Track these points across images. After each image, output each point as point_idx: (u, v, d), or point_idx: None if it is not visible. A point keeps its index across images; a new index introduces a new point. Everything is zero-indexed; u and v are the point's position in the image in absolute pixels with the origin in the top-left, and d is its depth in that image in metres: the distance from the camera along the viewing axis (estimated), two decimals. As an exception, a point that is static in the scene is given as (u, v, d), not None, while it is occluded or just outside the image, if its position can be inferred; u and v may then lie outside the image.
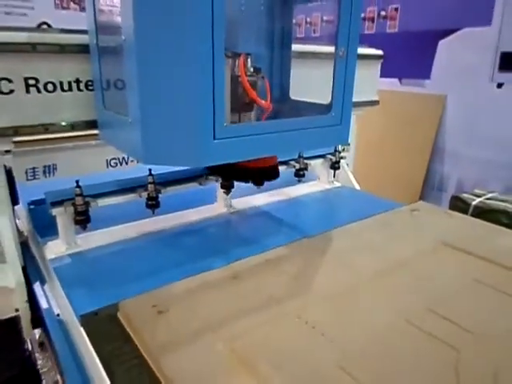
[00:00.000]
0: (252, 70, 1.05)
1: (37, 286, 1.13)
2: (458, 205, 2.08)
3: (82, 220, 1.14)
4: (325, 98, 1.06)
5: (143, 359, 0.73)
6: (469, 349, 0.74)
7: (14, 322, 1.15)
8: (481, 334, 0.78)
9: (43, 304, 1.06)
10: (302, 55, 1.42)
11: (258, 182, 1.15)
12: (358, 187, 1.81)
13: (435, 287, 0.95)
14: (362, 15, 2.79)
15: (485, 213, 1.96)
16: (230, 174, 1.16)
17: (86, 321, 0.84)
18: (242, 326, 0.78)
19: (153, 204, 1.21)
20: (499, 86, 2.09)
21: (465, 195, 2.14)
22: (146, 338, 0.75)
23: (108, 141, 1.06)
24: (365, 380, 0.65)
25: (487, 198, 2.08)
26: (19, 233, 1.25)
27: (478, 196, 2.10)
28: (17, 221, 1.23)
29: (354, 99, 1.07)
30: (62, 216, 1.14)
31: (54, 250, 1.17)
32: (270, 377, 0.66)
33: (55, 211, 1.12)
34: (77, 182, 1.11)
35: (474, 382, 0.68)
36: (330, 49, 1.55)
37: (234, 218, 1.45)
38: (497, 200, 2.06)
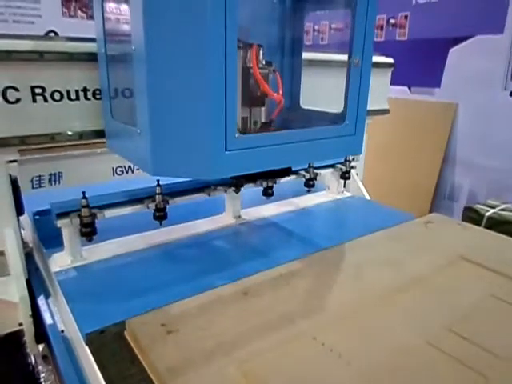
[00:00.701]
0: (264, 62, 1.02)
1: (41, 300, 1.10)
2: (471, 216, 2.04)
3: (88, 232, 1.11)
4: (335, 107, 1.03)
5: (151, 381, 0.69)
6: (495, 373, 0.70)
7: (17, 335, 1.12)
8: (507, 357, 0.74)
9: (47, 319, 1.03)
10: (312, 63, 1.39)
11: None
12: (368, 197, 1.77)
13: (454, 304, 0.91)
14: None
15: (499, 224, 1.93)
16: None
17: (92, 339, 0.81)
18: (254, 348, 0.74)
19: (160, 216, 1.18)
20: (512, 94, 2.05)
21: (478, 206, 2.10)
22: (154, 359, 0.71)
23: (115, 151, 1.03)
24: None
25: (501, 209, 2.04)
26: (24, 243, 1.22)
27: (492, 207, 2.07)
28: (21, 231, 1.21)
29: (366, 108, 1.04)
30: (67, 228, 1.11)
31: (59, 262, 1.14)
32: (286, 403, 0.62)
33: (60, 223, 1.09)
34: (83, 193, 1.08)
35: (503, 410, 0.64)
36: (339, 57, 1.54)
37: (242, 228, 1.41)
38: (511, 211, 2.02)
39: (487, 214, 2.02)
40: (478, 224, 1.92)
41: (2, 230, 1.07)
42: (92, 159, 1.33)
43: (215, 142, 0.79)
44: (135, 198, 1.19)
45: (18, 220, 1.14)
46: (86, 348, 0.80)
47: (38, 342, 1.09)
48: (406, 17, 2.35)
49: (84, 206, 1.08)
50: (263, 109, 1.06)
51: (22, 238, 1.19)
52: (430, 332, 0.80)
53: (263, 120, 1.08)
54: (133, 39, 0.80)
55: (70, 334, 0.95)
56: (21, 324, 1.08)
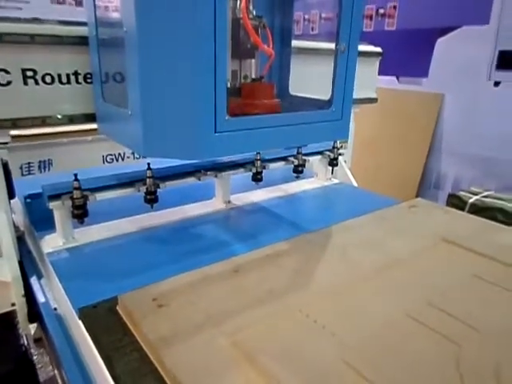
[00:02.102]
0: (254, 13, 1.02)
1: (33, 280, 1.12)
2: (455, 202, 2.09)
3: (80, 214, 1.13)
4: (324, 95, 1.06)
5: (144, 352, 0.72)
6: (470, 344, 0.74)
7: (10, 316, 1.14)
8: (482, 329, 0.78)
9: (40, 298, 1.05)
10: (301, 51, 1.42)
11: None
12: (355, 184, 1.81)
13: (435, 282, 0.95)
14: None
15: (481, 211, 1.97)
16: None
17: (85, 314, 0.83)
18: (243, 320, 0.77)
19: (151, 199, 1.21)
20: (496, 84, 2.09)
21: (461, 193, 2.15)
22: (146, 330, 0.74)
23: (107, 134, 1.05)
24: (367, 374, 0.65)
25: (484, 196, 2.10)
26: (15, 227, 1.23)
27: (475, 194, 2.12)
28: (13, 215, 1.22)
29: (353, 96, 1.07)
30: (59, 210, 1.13)
31: (51, 244, 1.16)
32: (273, 370, 0.65)
33: (52, 205, 1.11)
34: (75, 175, 1.10)
35: (476, 376, 0.68)
36: (327, 45, 1.56)
37: (232, 213, 1.44)
38: (493, 198, 2.07)
39: (470, 200, 2.07)
40: (462, 210, 1.93)
41: (-7, 212, 1.09)
42: (82, 147, 1.35)
43: (205, 124, 0.81)
44: (126, 182, 1.21)
45: (10, 203, 1.15)
46: (80, 322, 0.82)
47: (30, 321, 1.11)
48: (394, 7, 2.37)
49: (76, 188, 1.10)
50: (253, 61, 1.07)
51: (13, 222, 1.21)
52: (411, 307, 0.84)
53: (253, 76, 1.10)
54: (124, 21, 0.82)
55: (63, 310, 0.97)
56: (13, 304, 1.10)
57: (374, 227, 1.24)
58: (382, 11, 2.50)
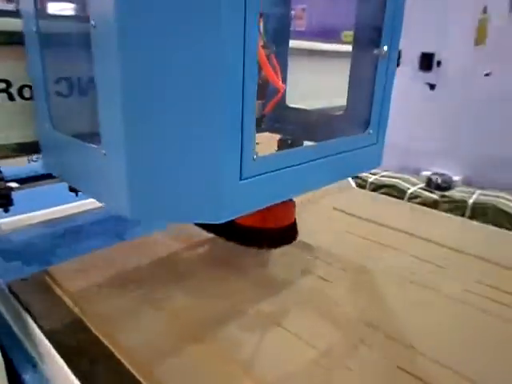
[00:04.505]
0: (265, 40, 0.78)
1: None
2: (358, 182, 2.24)
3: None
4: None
5: (73, 313, 0.76)
6: None
7: None
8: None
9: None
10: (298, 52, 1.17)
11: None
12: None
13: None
14: (293, 12, 2.66)
15: (379, 187, 2.37)
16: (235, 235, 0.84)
17: (14, 286, 0.84)
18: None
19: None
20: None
21: (363, 174, 2.39)
22: (73, 291, 0.82)
23: (60, 176, 0.72)
24: None
25: (381, 176, 2.45)
26: None
27: (374, 174, 2.46)
28: None
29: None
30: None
31: None
32: None
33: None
34: None
35: None
36: (321, 46, 1.34)
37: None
38: (389, 177, 2.43)
39: (370, 179, 2.42)
40: (363, 188, 2.30)
41: None
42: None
43: (227, 169, 0.54)
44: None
45: None
46: (11, 296, 0.81)
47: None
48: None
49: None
50: (260, 102, 0.82)
51: None
52: None
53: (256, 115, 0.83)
54: (92, 12, 0.51)
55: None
56: None
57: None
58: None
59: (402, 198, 2.20)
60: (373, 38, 0.76)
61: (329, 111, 1.09)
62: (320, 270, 0.93)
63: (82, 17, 0.58)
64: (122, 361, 0.65)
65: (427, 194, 2.26)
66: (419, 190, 2.30)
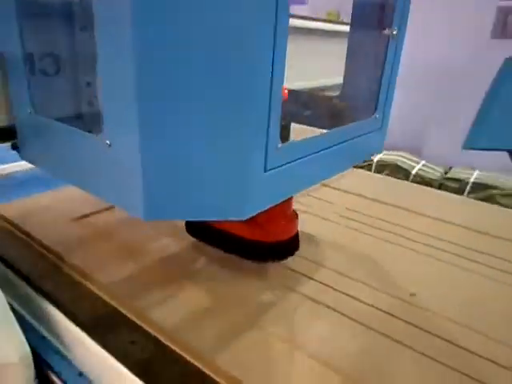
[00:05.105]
0: None
1: None
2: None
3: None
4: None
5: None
6: None
7: None
8: None
9: None
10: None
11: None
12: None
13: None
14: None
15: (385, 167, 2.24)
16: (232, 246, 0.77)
17: None
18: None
19: None
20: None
21: None
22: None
23: (47, 170, 0.63)
24: None
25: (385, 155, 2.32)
26: None
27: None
28: None
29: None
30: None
31: None
32: None
33: None
34: None
35: None
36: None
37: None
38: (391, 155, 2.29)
39: (375, 159, 2.27)
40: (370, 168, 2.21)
41: None
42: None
43: (254, 159, 0.48)
44: None
45: None
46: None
47: None
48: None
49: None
50: None
51: None
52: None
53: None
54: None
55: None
56: None
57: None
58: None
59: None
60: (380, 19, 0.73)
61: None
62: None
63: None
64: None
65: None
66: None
